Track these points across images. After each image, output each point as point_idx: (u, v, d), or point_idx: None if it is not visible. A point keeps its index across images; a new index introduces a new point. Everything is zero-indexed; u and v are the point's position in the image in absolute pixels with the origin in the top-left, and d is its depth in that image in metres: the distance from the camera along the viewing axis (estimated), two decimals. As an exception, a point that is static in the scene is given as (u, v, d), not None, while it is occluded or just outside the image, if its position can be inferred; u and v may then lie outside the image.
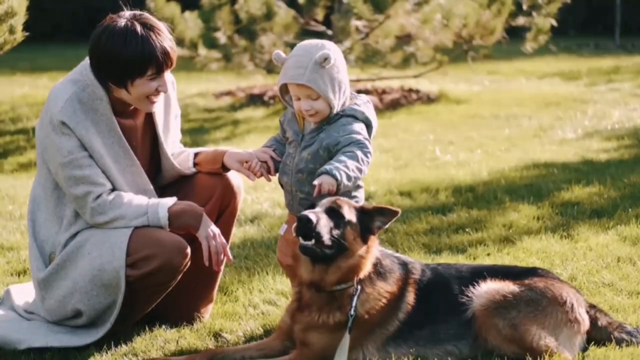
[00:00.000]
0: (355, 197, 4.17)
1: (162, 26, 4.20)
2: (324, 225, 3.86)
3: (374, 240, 4.04)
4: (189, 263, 4.20)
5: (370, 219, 4.00)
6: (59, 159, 4.09)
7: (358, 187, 4.20)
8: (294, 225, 3.92)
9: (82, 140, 4.10)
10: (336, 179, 3.94)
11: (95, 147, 4.13)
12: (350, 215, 3.95)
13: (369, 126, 4.21)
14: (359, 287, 3.98)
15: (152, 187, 4.33)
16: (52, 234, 4.23)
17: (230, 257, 4.27)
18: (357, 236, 3.96)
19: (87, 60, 4.23)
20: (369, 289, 4.01)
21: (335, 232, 3.89)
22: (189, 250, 4.19)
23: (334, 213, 3.92)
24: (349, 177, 3.98)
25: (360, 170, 4.03)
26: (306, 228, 3.82)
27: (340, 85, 4.12)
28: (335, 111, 4.13)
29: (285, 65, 4.15)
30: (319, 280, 3.97)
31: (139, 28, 4.10)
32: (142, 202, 4.18)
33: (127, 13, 4.18)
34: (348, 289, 3.98)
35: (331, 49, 4.13)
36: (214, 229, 4.23)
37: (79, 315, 4.20)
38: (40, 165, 4.26)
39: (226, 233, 4.49)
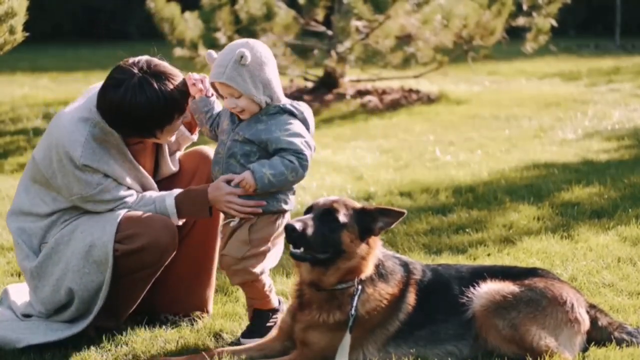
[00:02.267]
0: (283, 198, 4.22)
1: (169, 67, 4.26)
2: (313, 232, 3.88)
3: (376, 242, 4.04)
4: (176, 245, 4.26)
5: (372, 220, 4.00)
6: (89, 191, 4.20)
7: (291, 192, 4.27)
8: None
9: (105, 172, 4.22)
10: (256, 184, 4.10)
11: (116, 173, 4.25)
12: (346, 218, 3.95)
13: (310, 126, 4.26)
14: (360, 287, 3.98)
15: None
16: (42, 227, 4.29)
17: (263, 202, 4.21)
18: (355, 238, 3.96)
19: (92, 95, 4.26)
20: (370, 290, 4.01)
21: (330, 236, 3.91)
22: (176, 230, 4.26)
23: (328, 216, 3.94)
24: (271, 185, 4.12)
25: (289, 182, 4.14)
26: (291, 237, 3.88)
27: (263, 83, 4.16)
28: (264, 105, 4.17)
29: (213, 65, 4.23)
30: (318, 280, 3.98)
31: (155, 83, 4.15)
32: (149, 199, 4.32)
33: (134, 65, 4.18)
34: (349, 289, 3.99)
35: (254, 47, 4.18)
36: (226, 191, 4.20)
37: (72, 299, 4.23)
38: (34, 182, 4.31)
39: (215, 217, 4.52)
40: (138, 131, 4.22)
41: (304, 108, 4.27)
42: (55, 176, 4.22)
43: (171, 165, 4.56)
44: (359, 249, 3.96)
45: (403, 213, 4.00)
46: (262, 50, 4.19)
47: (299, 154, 4.13)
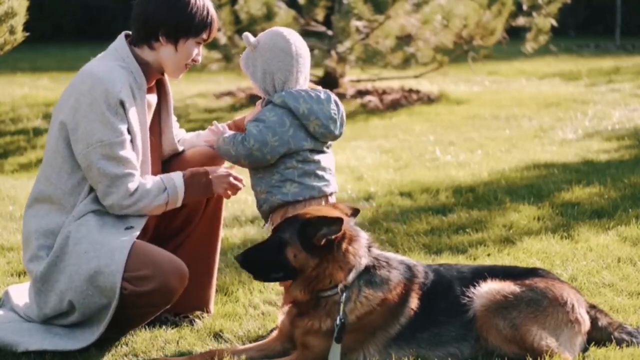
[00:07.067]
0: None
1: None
2: (255, 259, 3.99)
3: (351, 248, 3.99)
4: (185, 285, 4.21)
5: (315, 229, 3.92)
6: (111, 138, 4.12)
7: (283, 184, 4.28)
8: None
9: (129, 124, 4.19)
10: (217, 140, 4.34)
11: (135, 131, 4.23)
12: (287, 233, 3.95)
13: (295, 113, 4.23)
14: (344, 294, 3.96)
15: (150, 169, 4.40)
16: (59, 223, 4.21)
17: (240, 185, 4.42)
18: (300, 251, 3.93)
19: (122, 45, 4.28)
20: (354, 296, 3.98)
21: (274, 258, 3.95)
22: (187, 273, 4.20)
23: (274, 236, 4.00)
24: (219, 148, 4.31)
25: (231, 155, 4.25)
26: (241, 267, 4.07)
27: (264, 72, 4.26)
28: (262, 93, 4.31)
29: None
30: (292, 294, 4.03)
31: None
32: (156, 179, 4.28)
33: None
34: (333, 296, 3.98)
35: (272, 35, 4.27)
36: (224, 182, 4.37)
37: (73, 311, 4.18)
38: (53, 154, 4.23)
39: (216, 217, 4.60)
40: (168, 28, 4.24)
41: (288, 95, 4.22)
42: (77, 126, 4.14)
43: (175, 133, 4.56)
44: (306, 260, 3.94)
45: (339, 220, 3.90)
46: (278, 41, 4.25)
47: (246, 133, 4.22)
